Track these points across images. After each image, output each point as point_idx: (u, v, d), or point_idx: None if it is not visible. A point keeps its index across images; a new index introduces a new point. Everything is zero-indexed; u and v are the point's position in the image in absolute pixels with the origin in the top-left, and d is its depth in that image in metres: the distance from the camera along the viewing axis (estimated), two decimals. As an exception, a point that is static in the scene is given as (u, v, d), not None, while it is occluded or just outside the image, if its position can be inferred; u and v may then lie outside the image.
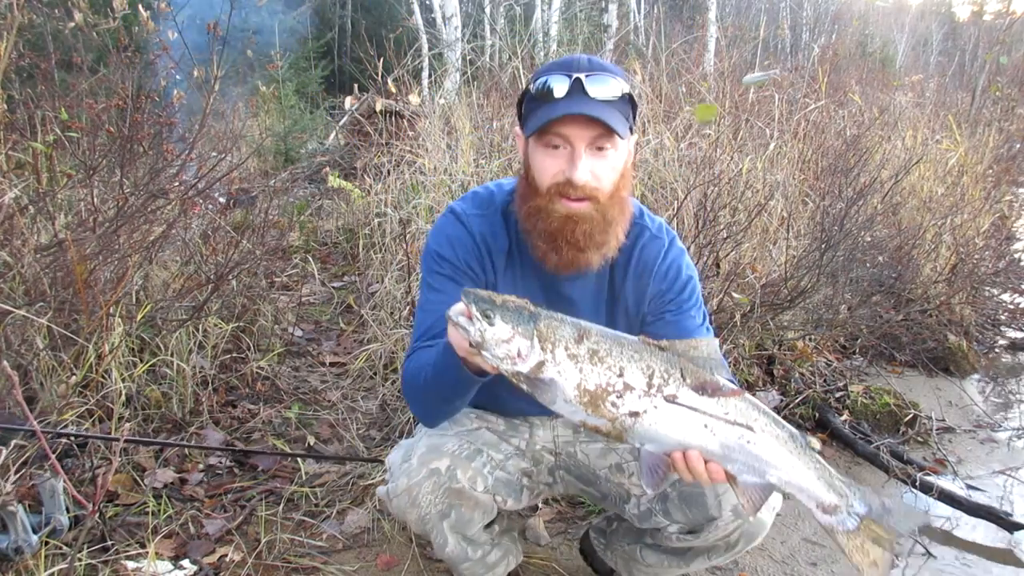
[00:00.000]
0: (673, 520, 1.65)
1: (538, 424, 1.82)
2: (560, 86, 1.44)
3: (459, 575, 1.76)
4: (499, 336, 1.24)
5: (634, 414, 1.25)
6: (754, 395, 3.42)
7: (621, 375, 1.25)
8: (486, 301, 1.25)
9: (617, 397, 1.24)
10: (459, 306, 1.27)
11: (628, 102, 1.49)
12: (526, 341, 1.24)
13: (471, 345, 1.26)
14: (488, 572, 1.76)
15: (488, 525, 1.73)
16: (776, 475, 1.30)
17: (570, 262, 1.53)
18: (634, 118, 1.54)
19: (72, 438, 2.32)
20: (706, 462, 1.29)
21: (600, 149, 1.46)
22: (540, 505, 2.42)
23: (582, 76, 1.44)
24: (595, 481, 1.79)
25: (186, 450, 2.58)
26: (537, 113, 1.47)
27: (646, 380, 1.25)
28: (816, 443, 1.32)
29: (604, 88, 1.45)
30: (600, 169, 1.47)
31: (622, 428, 1.27)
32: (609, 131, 1.43)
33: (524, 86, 1.57)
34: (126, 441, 2.27)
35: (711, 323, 1.75)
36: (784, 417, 3.10)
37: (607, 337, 1.27)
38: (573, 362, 1.25)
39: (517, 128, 1.61)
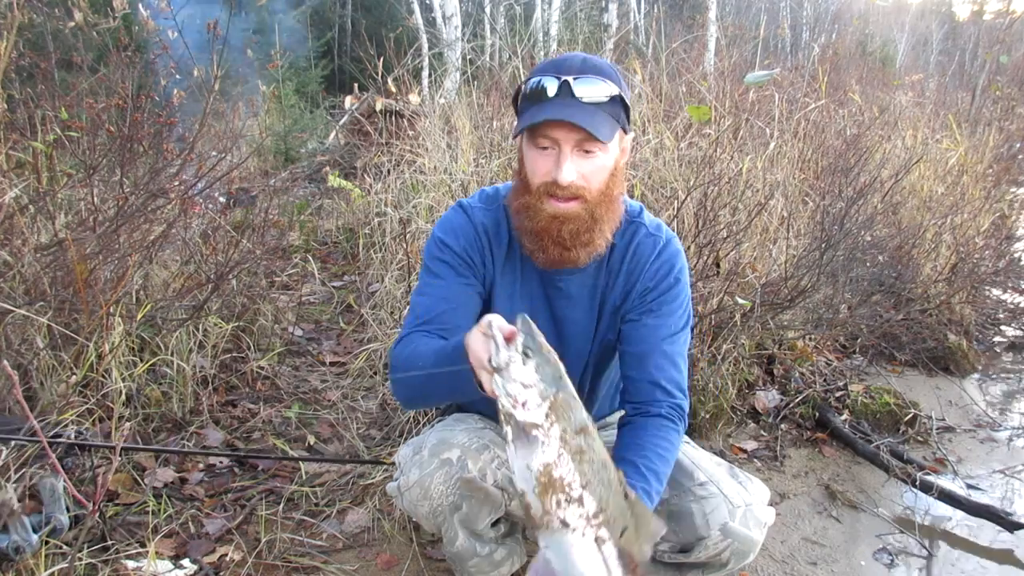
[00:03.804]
0: (663, 538, 1.67)
1: None
2: (550, 87, 1.45)
3: (466, 573, 1.77)
4: (523, 377, 1.21)
5: (564, 524, 1.23)
6: (754, 395, 3.39)
7: (584, 487, 1.23)
8: (534, 340, 1.22)
9: (566, 501, 1.22)
10: (504, 323, 1.24)
11: (619, 103, 1.49)
12: (538, 399, 1.21)
13: (489, 361, 1.24)
14: (494, 570, 1.77)
15: (495, 524, 1.74)
16: None
17: (556, 259, 1.55)
18: (627, 118, 1.54)
19: (71, 438, 2.31)
20: None
21: (587, 151, 1.47)
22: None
23: (570, 79, 1.44)
24: None
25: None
26: (527, 113, 1.48)
27: (596, 509, 1.23)
28: None
29: (592, 90, 1.45)
30: (587, 169, 1.48)
31: (544, 524, 1.25)
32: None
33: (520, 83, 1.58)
34: (123, 449, 2.27)
35: (697, 322, 1.74)
36: (784, 417, 3.13)
37: (599, 450, 1.25)
38: (561, 444, 1.22)
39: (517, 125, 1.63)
